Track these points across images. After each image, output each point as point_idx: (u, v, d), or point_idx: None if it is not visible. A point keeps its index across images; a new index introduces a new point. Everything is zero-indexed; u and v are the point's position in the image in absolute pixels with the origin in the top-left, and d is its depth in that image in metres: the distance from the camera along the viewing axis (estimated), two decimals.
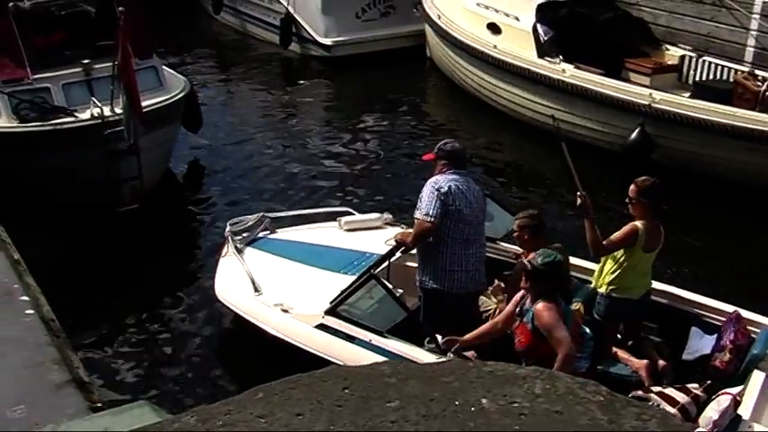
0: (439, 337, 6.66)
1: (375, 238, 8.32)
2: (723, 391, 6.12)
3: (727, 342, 6.64)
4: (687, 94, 12.31)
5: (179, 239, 10.93)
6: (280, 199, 11.67)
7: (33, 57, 11.04)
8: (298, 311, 7.35)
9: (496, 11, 14.39)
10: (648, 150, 11.69)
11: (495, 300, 7.29)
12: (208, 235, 10.71)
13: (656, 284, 7.22)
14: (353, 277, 7.43)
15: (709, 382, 6.43)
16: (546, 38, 13.25)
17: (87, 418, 4.32)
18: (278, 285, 7.80)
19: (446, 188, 6.86)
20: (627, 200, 6.86)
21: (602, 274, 6.99)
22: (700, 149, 11.48)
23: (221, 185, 12.41)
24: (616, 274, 6.87)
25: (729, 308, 7.02)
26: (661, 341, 7.23)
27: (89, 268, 9.73)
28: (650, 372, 6.64)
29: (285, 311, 7.38)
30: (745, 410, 5.93)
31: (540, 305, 6.12)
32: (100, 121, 10.34)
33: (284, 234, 8.81)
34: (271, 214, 9.03)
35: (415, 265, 7.30)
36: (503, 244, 7.95)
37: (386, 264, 7.59)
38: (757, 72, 12.30)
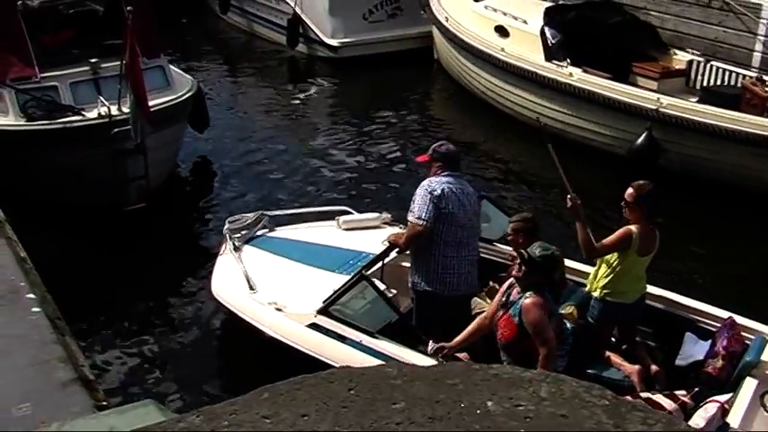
0: (431, 343, 6.66)
1: (373, 237, 8.31)
2: (711, 399, 6.12)
3: (721, 348, 6.63)
4: (695, 99, 12.30)
5: (185, 238, 10.95)
6: (285, 198, 11.71)
7: (41, 55, 11.06)
8: (291, 310, 7.38)
9: (504, 14, 14.39)
10: (655, 155, 11.67)
11: (489, 301, 7.28)
12: (214, 234, 10.70)
13: (651, 289, 7.20)
14: (349, 277, 7.44)
15: (696, 389, 6.42)
16: (554, 41, 13.26)
17: (93, 416, 4.32)
18: (273, 284, 7.83)
19: (439, 191, 6.86)
20: (623, 203, 6.82)
21: (596, 277, 6.99)
22: (707, 155, 11.45)
23: (227, 185, 12.43)
24: (610, 278, 6.85)
25: (724, 314, 7.00)
26: (655, 346, 7.21)
27: (95, 267, 9.75)
28: (642, 377, 6.61)
29: (279, 310, 7.41)
30: (734, 418, 5.92)
31: (528, 300, 6.13)
32: (107, 120, 10.35)
33: (282, 232, 8.83)
34: (269, 212, 9.06)
35: (409, 265, 7.31)
36: (499, 246, 7.94)
37: (379, 264, 7.60)
38: (765, 77, 12.25)
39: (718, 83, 13.01)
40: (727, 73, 12.94)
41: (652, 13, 14.51)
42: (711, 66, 13.12)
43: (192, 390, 7.89)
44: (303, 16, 17.97)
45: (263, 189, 12.23)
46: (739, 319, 6.91)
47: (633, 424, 2.63)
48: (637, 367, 6.67)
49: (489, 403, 2.68)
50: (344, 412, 2.66)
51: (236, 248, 8.37)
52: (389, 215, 8.87)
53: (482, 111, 14.78)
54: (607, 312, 6.92)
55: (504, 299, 6.45)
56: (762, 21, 13.05)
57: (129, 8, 9.91)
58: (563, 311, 6.81)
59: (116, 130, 10.34)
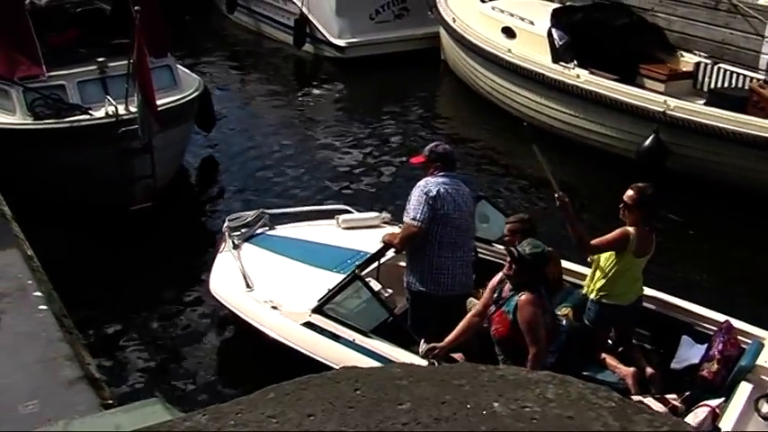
0: (422, 343, 6.66)
1: (372, 236, 8.30)
2: (702, 403, 6.11)
3: (716, 352, 6.62)
4: (702, 102, 12.26)
5: (191, 237, 10.95)
6: (290, 197, 11.72)
7: (49, 54, 11.08)
8: (286, 309, 7.39)
9: (511, 15, 14.38)
10: (662, 158, 11.65)
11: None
12: (219, 233, 10.71)
13: (649, 291, 7.19)
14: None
15: (687, 393, 6.42)
16: (561, 43, 13.24)
17: (99, 415, 4.33)
18: (270, 282, 7.84)
19: (435, 192, 6.85)
20: (621, 205, 6.77)
21: (593, 279, 6.96)
22: (714, 157, 11.43)
23: (233, 184, 12.44)
24: (607, 280, 6.82)
25: (721, 317, 6.99)
26: (651, 349, 7.19)
27: (101, 265, 9.76)
28: (637, 380, 6.59)
29: (275, 308, 7.43)
30: (727, 422, 5.91)
31: (524, 297, 6.16)
32: (114, 119, 10.37)
33: (282, 231, 8.83)
34: (270, 211, 9.07)
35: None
36: (497, 246, 7.91)
37: (375, 264, 7.62)
38: None
39: (726, 85, 12.97)
40: (734, 75, 12.92)
41: (659, 14, 14.48)
42: (719, 68, 13.09)
43: (198, 388, 7.91)
44: (310, 16, 17.99)
45: (268, 188, 12.24)
46: (736, 323, 6.90)
47: (639, 426, 2.63)
48: (631, 370, 6.65)
49: (496, 404, 2.68)
50: (350, 412, 2.66)
51: (236, 246, 8.38)
52: (389, 215, 8.87)
53: (488, 112, 14.78)
54: (603, 314, 6.90)
55: (495, 295, 6.47)
56: None
57: (136, 8, 9.93)
58: (559, 313, 6.82)
59: (123, 129, 10.36)
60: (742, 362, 6.46)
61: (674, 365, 6.91)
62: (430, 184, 6.93)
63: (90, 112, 10.67)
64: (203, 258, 10.05)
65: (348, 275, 7.25)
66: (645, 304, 7.13)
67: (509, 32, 14.22)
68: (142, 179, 10.72)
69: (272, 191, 12.15)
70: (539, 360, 6.08)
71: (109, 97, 10.59)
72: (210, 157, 13.34)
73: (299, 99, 16.40)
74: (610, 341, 7.11)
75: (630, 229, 6.70)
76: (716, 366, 6.56)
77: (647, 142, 11.75)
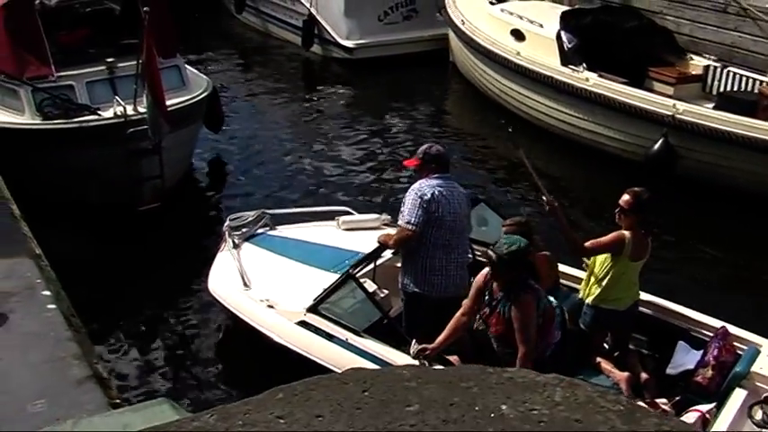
0: (413, 344, 6.67)
1: (371, 238, 8.27)
2: (692, 408, 6.11)
3: (711, 358, 6.62)
4: (711, 105, 12.21)
5: (199, 238, 10.96)
6: (295, 197, 11.76)
7: (58, 54, 11.11)
8: (282, 307, 7.44)
9: (520, 17, 14.38)
10: (672, 162, 11.63)
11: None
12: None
13: (646, 297, 7.19)
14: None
15: (678, 397, 6.41)
16: (570, 46, 13.22)
17: (107, 414, 4.34)
18: (268, 281, 7.89)
19: (429, 195, 6.86)
20: (617, 209, 6.78)
21: (588, 283, 6.96)
22: (723, 162, 11.39)
23: (241, 184, 12.48)
24: (603, 284, 6.82)
25: (718, 323, 6.97)
26: (647, 354, 7.19)
27: (109, 265, 9.78)
28: (631, 384, 6.58)
29: (270, 307, 7.47)
30: (720, 428, 5.89)
31: (522, 297, 6.22)
32: (122, 119, 10.40)
33: (282, 231, 8.86)
34: (270, 211, 9.11)
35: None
36: None
37: (371, 264, 7.67)
38: None
39: (735, 89, 12.93)
40: (743, 79, 12.87)
41: (668, 17, 14.47)
42: (728, 71, 13.03)
43: (206, 388, 7.92)
44: (318, 17, 18.01)
45: (276, 188, 12.26)
46: (733, 330, 6.88)
47: (647, 429, 2.62)
48: (626, 374, 6.64)
49: (503, 407, 2.67)
50: (358, 413, 2.66)
51: (236, 246, 8.43)
52: (389, 216, 8.87)
53: (497, 114, 14.72)
54: (599, 319, 6.91)
55: (487, 297, 6.49)
56: None
57: (145, 8, 9.94)
58: None
59: (131, 129, 10.38)
60: (737, 368, 6.47)
61: (669, 371, 6.92)
62: (424, 187, 6.94)
63: (98, 112, 10.69)
64: (210, 258, 10.06)
65: (342, 275, 7.28)
66: (642, 309, 7.14)
67: (518, 35, 14.21)
68: (150, 180, 10.74)
69: (279, 191, 12.16)
70: (527, 359, 6.12)
71: (117, 98, 10.61)
72: (218, 158, 13.36)
73: (307, 100, 16.41)
74: (606, 345, 7.10)
75: (626, 233, 6.70)
76: (711, 372, 6.57)
77: (656, 146, 11.72)
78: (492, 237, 7.95)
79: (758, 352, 6.62)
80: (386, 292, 7.50)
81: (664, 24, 14.27)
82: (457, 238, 7.10)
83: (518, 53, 13.92)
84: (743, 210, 10.95)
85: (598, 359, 6.84)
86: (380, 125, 14.68)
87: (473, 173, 12.86)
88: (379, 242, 7.54)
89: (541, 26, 13.90)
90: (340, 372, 6.31)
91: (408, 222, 6.86)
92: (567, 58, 13.18)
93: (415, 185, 7.02)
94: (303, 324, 7.18)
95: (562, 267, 7.46)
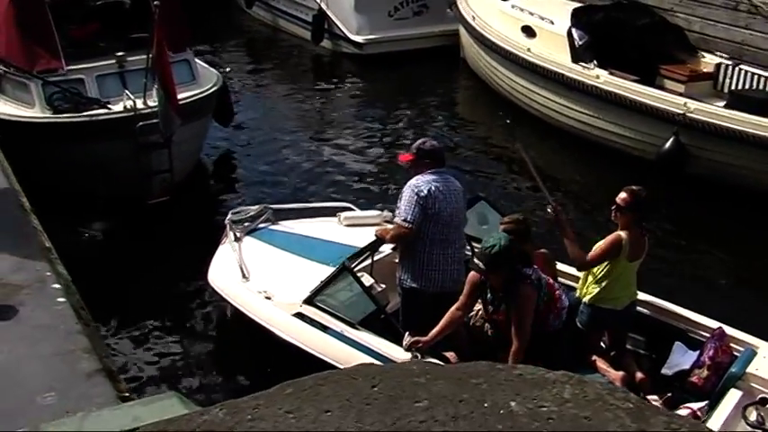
0: (406, 336, 6.69)
1: (371, 234, 8.32)
2: (683, 406, 6.11)
3: (707, 359, 6.62)
4: (722, 103, 12.16)
5: (208, 232, 10.93)
6: (304, 192, 11.75)
7: (68, 48, 11.12)
8: (279, 299, 7.48)
9: (531, 14, 14.32)
10: (682, 160, 11.59)
11: (478, 301, 7.24)
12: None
13: (644, 297, 7.17)
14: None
15: (669, 394, 6.41)
16: (581, 42, 13.17)
17: (116, 407, 4.35)
18: (267, 274, 7.93)
19: (425, 191, 6.85)
20: (613, 207, 6.75)
21: (586, 282, 6.93)
22: (734, 161, 11.34)
23: (251, 179, 12.48)
24: (600, 284, 6.80)
25: (714, 324, 6.95)
26: (644, 354, 7.18)
27: (119, 259, 9.80)
28: (626, 384, 6.53)
29: (268, 298, 7.52)
30: (713, 427, 5.88)
31: (521, 291, 6.27)
32: (132, 113, 10.42)
33: (284, 226, 8.89)
34: (273, 206, 9.13)
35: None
36: None
37: (369, 259, 7.69)
38: None
39: (746, 87, 12.88)
40: (755, 77, 12.81)
41: (678, 14, 14.40)
42: (740, 69, 12.97)
43: (215, 382, 7.96)
44: (328, 12, 17.99)
45: (284, 183, 12.27)
46: (730, 331, 6.86)
47: (657, 427, 2.62)
48: (621, 374, 6.62)
49: (513, 403, 2.67)
50: (368, 409, 2.66)
51: (237, 239, 8.48)
52: (391, 213, 8.87)
53: (507, 110, 14.70)
54: (596, 318, 6.88)
55: (489, 296, 6.54)
56: None
57: (156, 2, 9.95)
58: None
59: (141, 123, 10.41)
60: (732, 368, 6.45)
61: (664, 371, 6.91)
62: (420, 183, 6.93)
63: (108, 106, 10.72)
64: None
65: (338, 267, 7.31)
66: (639, 309, 7.12)
67: (529, 31, 14.17)
68: (160, 173, 10.77)
69: (287, 186, 12.16)
70: (518, 358, 6.16)
71: (127, 91, 10.64)
72: (228, 152, 13.38)
73: (317, 95, 16.40)
74: (603, 345, 7.09)
75: (622, 233, 6.67)
76: (706, 373, 6.58)
77: (667, 144, 11.68)
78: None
79: (754, 353, 6.60)
80: (383, 286, 7.53)
81: (674, 22, 14.21)
82: (454, 232, 7.09)
83: (529, 50, 13.88)
84: (753, 210, 10.89)
85: (594, 357, 6.84)
86: (389, 121, 14.66)
87: (481, 170, 12.85)
88: (376, 236, 7.54)
89: (552, 23, 13.86)
90: (335, 363, 6.47)
91: (405, 219, 6.86)
92: (577, 55, 13.13)
93: (411, 181, 7.00)
94: (299, 316, 7.24)
95: (560, 266, 7.44)
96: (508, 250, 6.26)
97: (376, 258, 7.75)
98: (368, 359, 6.64)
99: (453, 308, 6.61)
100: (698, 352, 6.78)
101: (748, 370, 6.42)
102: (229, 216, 8.75)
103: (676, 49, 13.64)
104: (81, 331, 5.89)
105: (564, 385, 2.79)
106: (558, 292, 6.72)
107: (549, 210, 6.95)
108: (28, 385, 5.22)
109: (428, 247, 6.93)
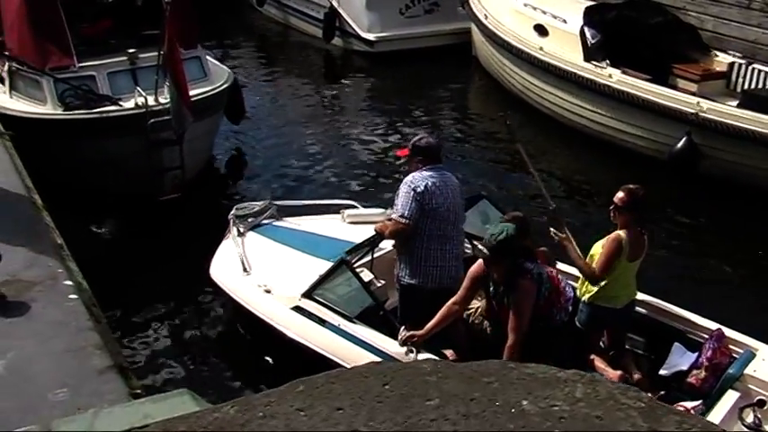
0: (401, 330, 6.71)
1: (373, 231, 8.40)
2: (677, 404, 6.08)
3: (704, 360, 6.61)
4: (735, 103, 12.10)
5: (220, 229, 10.96)
6: (313, 189, 11.80)
7: (80, 45, 11.15)
8: (278, 293, 7.53)
9: (544, 12, 14.29)
10: (695, 160, 11.55)
11: (477, 298, 7.23)
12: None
13: (645, 298, 7.16)
14: None
15: (662, 392, 6.39)
16: (593, 41, 13.13)
17: (128, 404, 4.35)
18: (268, 268, 8.00)
19: (422, 187, 6.85)
20: (611, 207, 6.74)
21: (585, 282, 6.92)
22: (748, 161, 11.29)
23: (262, 176, 12.51)
24: (600, 282, 6.79)
25: (714, 325, 6.93)
26: (643, 354, 7.17)
27: (130, 255, 9.82)
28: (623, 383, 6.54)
29: (267, 292, 7.58)
30: None
31: (522, 285, 6.27)
32: (144, 110, 10.44)
33: (287, 222, 8.93)
34: (278, 202, 9.19)
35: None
36: None
37: (369, 255, 7.73)
38: None
39: (759, 86, 12.81)
40: None
41: (691, 13, 14.36)
42: (753, 69, 12.91)
43: (227, 379, 7.97)
44: (340, 10, 18.01)
45: (294, 180, 12.30)
46: (729, 333, 6.84)
47: (668, 427, 2.60)
48: (618, 373, 6.61)
49: (524, 402, 2.66)
50: (379, 407, 2.66)
51: (240, 234, 8.54)
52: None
53: (519, 109, 14.70)
54: (595, 317, 6.88)
55: (492, 290, 6.53)
56: None
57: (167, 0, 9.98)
58: None
59: (152, 120, 10.43)
60: (730, 370, 6.45)
61: (662, 371, 6.91)
62: (417, 179, 6.93)
63: (120, 103, 10.75)
64: None
65: (336, 261, 7.35)
66: (639, 310, 7.11)
67: (541, 30, 14.14)
68: (171, 170, 10.79)
69: (298, 183, 12.19)
70: (513, 352, 6.18)
71: (139, 88, 10.66)
72: (239, 149, 13.40)
73: (328, 92, 16.41)
74: (602, 344, 7.08)
75: (622, 233, 6.66)
76: (704, 374, 6.57)
77: (680, 144, 11.65)
78: None
79: (753, 355, 6.59)
80: (383, 282, 7.57)
81: (687, 20, 14.15)
82: (452, 228, 7.08)
83: (541, 48, 13.86)
84: (766, 209, 10.85)
85: (592, 356, 6.84)
86: (400, 119, 14.65)
87: (490, 168, 12.84)
88: (375, 231, 7.55)
89: (565, 21, 13.82)
90: (332, 357, 6.48)
91: (402, 216, 6.86)
92: (590, 54, 13.10)
93: (408, 178, 7.01)
94: (298, 309, 7.29)
95: (560, 265, 7.43)
96: (514, 239, 6.28)
97: (376, 254, 7.79)
98: (364, 353, 6.74)
99: (450, 302, 6.60)
100: (696, 353, 6.78)
101: (746, 372, 6.41)
102: (233, 211, 8.81)
103: (689, 47, 13.58)
104: (92, 328, 5.90)
105: (576, 384, 2.78)
106: (562, 284, 6.72)
107: (551, 232, 6.94)
108: (40, 382, 5.24)
109: (425, 243, 6.93)
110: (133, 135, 10.43)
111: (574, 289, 7.00)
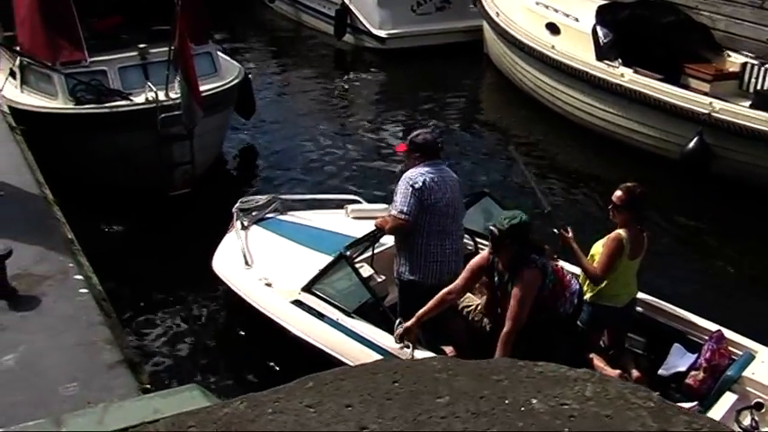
0: (397, 325, 6.69)
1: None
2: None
3: (703, 361, 6.57)
4: (747, 103, 12.04)
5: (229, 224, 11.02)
6: (321, 186, 11.75)
7: (91, 40, 11.17)
8: (278, 287, 7.55)
9: (556, 11, 14.26)
10: (706, 160, 11.52)
11: (478, 295, 7.20)
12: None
13: (645, 298, 7.13)
14: None
15: (657, 393, 6.35)
16: (605, 40, 13.09)
17: (138, 398, 4.37)
18: (269, 262, 8.02)
19: (420, 183, 6.83)
20: (609, 206, 6.73)
21: (586, 281, 6.90)
22: (759, 161, 11.24)
23: (272, 172, 12.51)
24: (602, 283, 6.77)
25: (714, 326, 6.90)
26: (643, 354, 7.14)
27: (141, 250, 9.85)
28: None
29: (268, 285, 7.60)
30: None
31: (526, 273, 6.24)
32: (154, 105, 10.46)
33: (291, 216, 8.95)
34: (282, 196, 9.21)
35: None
36: None
37: (370, 251, 7.72)
38: None
39: None
40: None
41: (703, 13, 14.32)
42: (766, 69, 12.80)
43: (236, 375, 7.97)
44: (351, 7, 18.02)
45: (304, 176, 12.31)
46: (730, 335, 6.80)
47: (678, 427, 2.60)
48: (617, 372, 6.57)
49: (534, 401, 2.66)
50: (389, 404, 2.66)
51: (244, 227, 8.57)
52: None
53: (530, 107, 14.70)
54: (597, 316, 6.86)
55: (496, 280, 6.51)
56: None
57: None
58: None
59: (163, 115, 10.45)
60: (728, 372, 6.41)
61: (661, 372, 6.87)
62: (415, 175, 6.91)
63: (130, 97, 10.76)
64: None
65: (335, 256, 7.36)
66: (640, 310, 7.09)
67: (553, 28, 14.12)
68: (181, 165, 10.81)
69: (308, 179, 12.19)
70: (509, 340, 6.17)
71: (149, 83, 10.68)
72: (249, 144, 13.41)
73: (339, 89, 16.41)
74: (602, 344, 7.05)
75: (622, 232, 6.63)
76: (702, 375, 6.53)
77: (691, 144, 11.61)
78: None
79: (753, 357, 6.55)
80: (383, 277, 7.56)
81: (699, 20, 14.09)
82: (451, 223, 7.06)
83: (553, 47, 13.83)
84: None
85: (591, 355, 6.80)
86: (411, 116, 14.65)
87: (499, 167, 12.82)
88: (375, 226, 7.55)
89: (577, 20, 13.79)
90: (329, 351, 6.47)
91: (401, 212, 6.85)
92: (602, 53, 13.07)
93: (406, 174, 7.00)
94: (297, 303, 7.31)
95: (560, 263, 7.41)
96: (526, 226, 6.30)
97: (377, 250, 7.78)
98: (361, 348, 6.76)
99: (445, 290, 6.56)
100: (696, 354, 6.75)
101: (744, 374, 6.36)
102: (237, 205, 8.84)
103: (701, 47, 13.53)
104: (103, 322, 5.91)
105: (586, 383, 2.78)
106: (567, 278, 6.71)
107: (555, 231, 6.92)
108: (50, 376, 5.25)
109: (425, 239, 6.92)
110: (144, 130, 10.45)
111: (579, 283, 7.00)
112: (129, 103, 10.70)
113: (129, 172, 10.54)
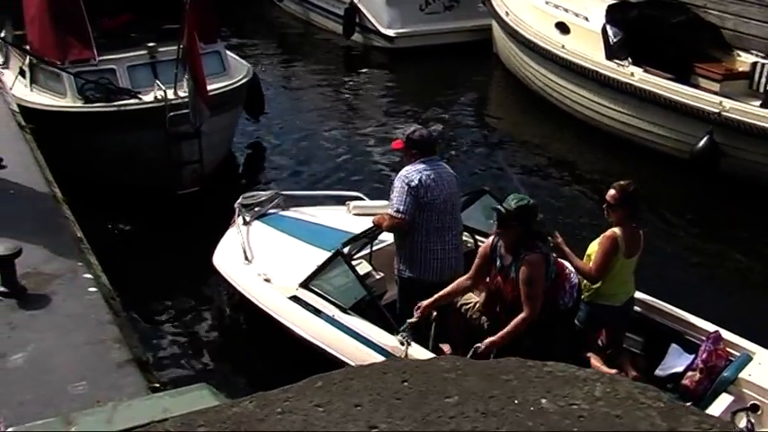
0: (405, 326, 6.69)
1: None
2: None
3: (699, 362, 6.54)
4: (758, 103, 12.00)
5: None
6: (329, 184, 11.77)
7: (100, 38, 11.21)
8: (277, 282, 7.58)
9: (566, 10, 14.23)
10: (716, 160, 11.48)
11: (476, 293, 7.15)
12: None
13: (644, 298, 7.12)
14: None
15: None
16: (615, 39, 13.06)
17: (147, 397, 4.37)
18: (269, 257, 8.04)
19: (416, 181, 6.83)
20: (604, 205, 6.71)
21: (584, 281, 6.88)
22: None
23: (281, 171, 12.53)
24: (598, 282, 6.75)
25: (712, 327, 6.87)
26: (640, 354, 7.12)
27: (150, 249, 9.87)
28: None
29: (267, 281, 7.63)
30: None
31: (527, 258, 6.24)
32: (163, 103, 10.48)
33: (293, 212, 8.97)
34: (285, 192, 9.23)
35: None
36: None
37: (368, 248, 7.74)
38: None
39: None
40: None
41: (711, 12, 14.26)
42: None
43: (246, 374, 7.98)
44: (360, 6, 18.01)
45: (313, 175, 12.31)
46: (729, 336, 6.78)
47: (687, 427, 2.60)
48: (613, 372, 6.56)
49: (543, 401, 2.66)
50: (398, 404, 2.65)
51: (246, 223, 8.60)
52: None
53: (540, 107, 14.67)
54: (594, 315, 6.84)
55: (498, 264, 6.50)
56: None
57: None
58: None
59: (172, 113, 10.46)
60: (725, 373, 6.39)
61: (658, 372, 6.86)
62: (411, 173, 6.91)
63: (139, 96, 10.79)
64: None
65: (332, 252, 7.38)
66: (638, 310, 7.08)
67: (563, 28, 14.09)
68: (190, 164, 10.84)
69: (316, 177, 12.20)
70: (527, 322, 6.19)
71: (158, 82, 10.71)
72: (258, 143, 13.42)
73: (347, 88, 16.41)
74: (600, 343, 7.02)
75: (617, 230, 6.62)
76: (699, 376, 6.51)
77: (701, 143, 11.57)
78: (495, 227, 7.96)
79: (749, 359, 6.53)
80: (381, 274, 7.57)
81: (707, 19, 14.05)
82: (450, 219, 7.06)
83: (562, 46, 13.81)
84: None
85: (588, 354, 6.80)
86: (419, 115, 14.62)
87: (509, 164, 12.80)
88: (373, 223, 7.55)
89: (587, 19, 13.76)
90: (325, 347, 6.47)
91: (397, 210, 6.85)
92: (612, 53, 13.03)
93: (402, 172, 6.99)
94: (295, 299, 7.33)
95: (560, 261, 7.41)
96: (533, 210, 6.35)
97: (376, 247, 7.79)
98: (357, 344, 6.78)
99: (464, 277, 6.64)
100: (693, 355, 6.73)
101: (741, 375, 6.34)
102: (239, 200, 8.84)
103: (711, 46, 13.50)
104: (112, 321, 5.91)
105: (595, 383, 2.77)
106: (567, 270, 6.73)
107: (549, 239, 6.93)
108: (59, 374, 5.25)
109: (425, 237, 6.92)
110: (152, 128, 10.48)
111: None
112: (137, 101, 10.73)
113: (137, 170, 10.56)
